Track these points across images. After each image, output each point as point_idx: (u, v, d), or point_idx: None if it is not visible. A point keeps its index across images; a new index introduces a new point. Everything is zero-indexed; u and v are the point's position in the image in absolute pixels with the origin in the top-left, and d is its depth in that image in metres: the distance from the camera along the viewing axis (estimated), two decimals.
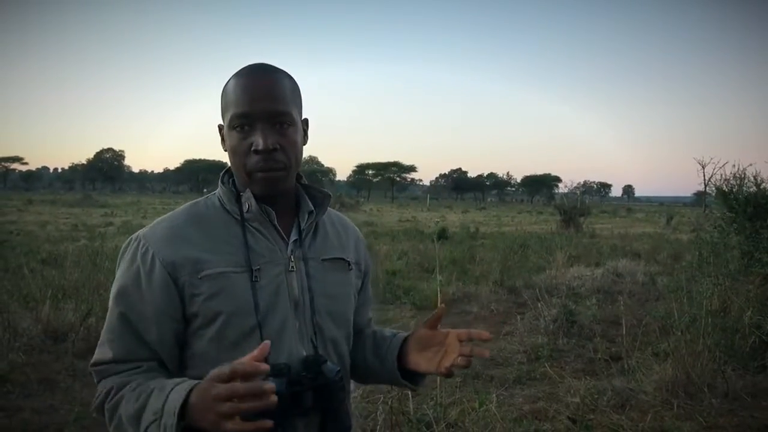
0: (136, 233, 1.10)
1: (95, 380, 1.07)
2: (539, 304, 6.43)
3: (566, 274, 9.52)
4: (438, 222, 21.74)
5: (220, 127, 1.14)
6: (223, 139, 1.13)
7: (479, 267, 10.42)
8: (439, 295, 4.12)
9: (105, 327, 1.07)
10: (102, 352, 1.05)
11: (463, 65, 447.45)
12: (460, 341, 1.10)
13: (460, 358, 1.09)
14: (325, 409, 1.06)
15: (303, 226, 1.15)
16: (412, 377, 1.22)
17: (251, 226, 1.09)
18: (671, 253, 13.06)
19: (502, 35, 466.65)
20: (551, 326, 6.07)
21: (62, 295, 5.71)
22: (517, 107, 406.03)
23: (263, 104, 1.04)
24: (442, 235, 16.09)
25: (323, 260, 1.17)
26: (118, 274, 1.08)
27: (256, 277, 1.05)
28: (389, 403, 3.23)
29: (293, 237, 1.14)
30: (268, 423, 0.86)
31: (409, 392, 3.42)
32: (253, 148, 1.05)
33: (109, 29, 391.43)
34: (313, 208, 1.17)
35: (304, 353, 1.08)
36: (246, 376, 0.83)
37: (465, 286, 8.57)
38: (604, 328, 6.23)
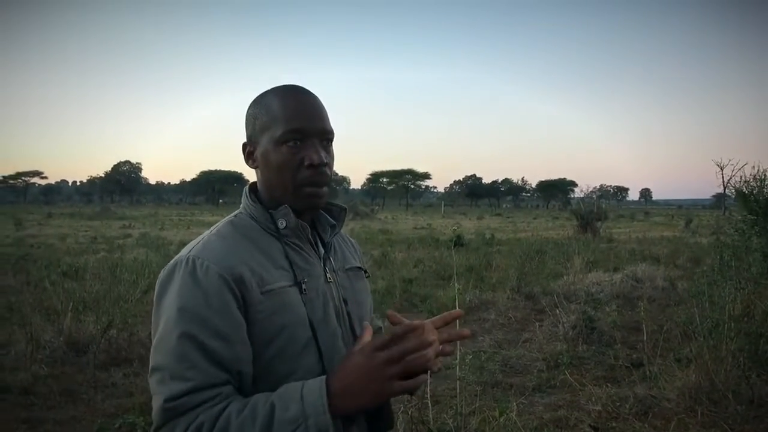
0: (182, 255, 1.02)
1: (162, 420, 0.93)
2: (558, 311, 6.38)
3: (584, 280, 9.42)
4: (455, 229, 21.65)
5: (245, 146, 1.15)
6: (249, 157, 1.15)
7: (496, 274, 10.36)
8: (456, 302, 4.10)
9: (167, 358, 0.95)
10: (174, 384, 0.93)
11: (477, 71, 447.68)
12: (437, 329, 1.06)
13: (442, 346, 1.05)
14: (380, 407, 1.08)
15: (327, 239, 1.20)
16: None
17: (289, 241, 1.11)
18: (691, 256, 12.90)
19: (516, 40, 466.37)
20: (570, 333, 6.02)
21: (83, 308, 5.77)
22: (531, 112, 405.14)
23: (316, 122, 1.10)
24: (458, 242, 16.01)
25: (346, 270, 1.23)
26: (173, 297, 0.98)
27: (304, 290, 1.07)
28: (409, 412, 3.21)
29: (321, 250, 1.18)
30: (425, 377, 0.96)
31: (429, 401, 3.41)
32: (307, 163, 1.08)
33: (126, 44, 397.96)
34: (334, 222, 1.22)
35: None
36: (407, 337, 0.95)
37: (482, 293, 8.54)
38: (624, 334, 6.16)
